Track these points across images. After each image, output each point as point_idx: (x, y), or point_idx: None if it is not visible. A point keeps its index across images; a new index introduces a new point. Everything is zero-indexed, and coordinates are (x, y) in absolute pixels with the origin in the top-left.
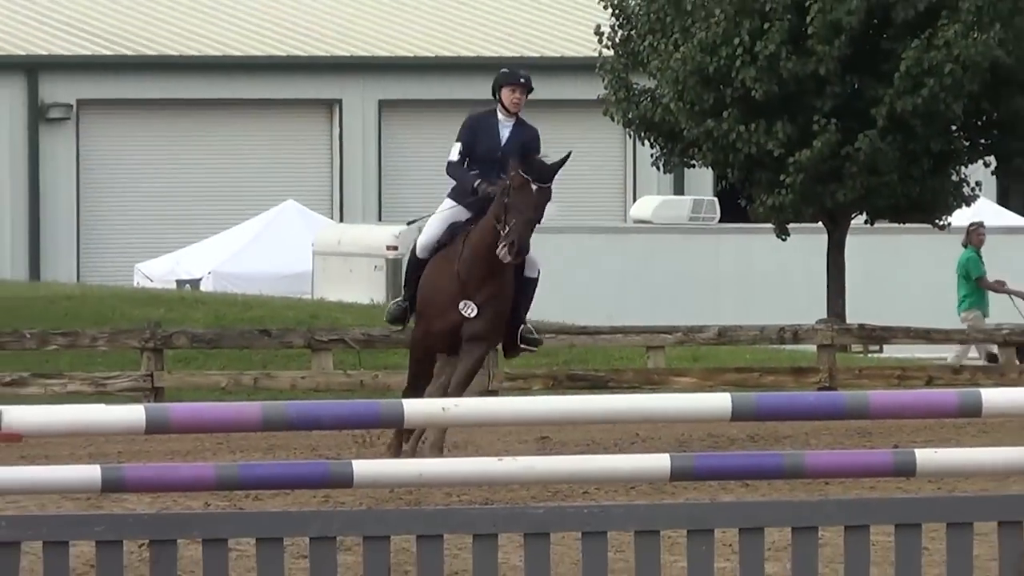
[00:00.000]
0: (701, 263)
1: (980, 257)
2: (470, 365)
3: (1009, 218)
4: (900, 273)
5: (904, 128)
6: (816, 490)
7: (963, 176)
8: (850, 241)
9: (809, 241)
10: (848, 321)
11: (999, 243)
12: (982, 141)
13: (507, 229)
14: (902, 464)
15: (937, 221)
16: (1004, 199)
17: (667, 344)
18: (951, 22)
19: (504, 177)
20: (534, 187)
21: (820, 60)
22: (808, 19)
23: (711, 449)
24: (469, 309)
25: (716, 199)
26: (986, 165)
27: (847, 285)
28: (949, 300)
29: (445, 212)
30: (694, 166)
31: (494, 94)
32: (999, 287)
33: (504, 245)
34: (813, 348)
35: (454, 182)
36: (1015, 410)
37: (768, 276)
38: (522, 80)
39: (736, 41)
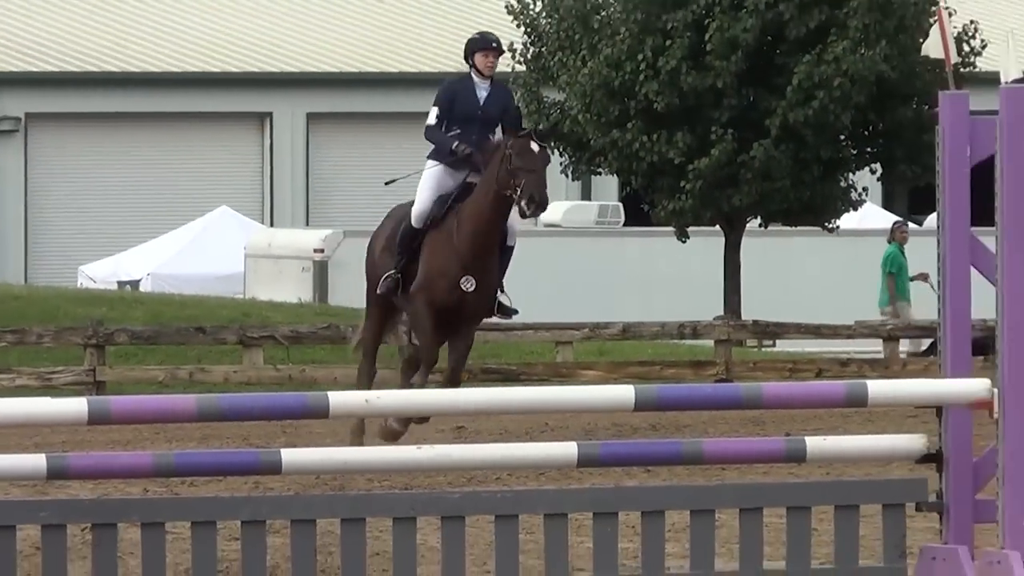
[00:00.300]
0: (607, 264)
1: (903, 253)
2: (470, 339)
3: (893, 220)
4: (792, 273)
5: (796, 137)
6: (713, 475)
7: (851, 182)
8: (745, 243)
9: (707, 243)
10: (743, 317)
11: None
12: (868, 149)
13: (520, 189)
14: (793, 451)
15: (826, 224)
16: (889, 203)
17: (575, 339)
18: (840, 39)
19: (489, 138)
20: (535, 147)
21: (718, 75)
22: (707, 36)
23: (615, 437)
24: (469, 284)
25: (621, 204)
26: (872, 172)
27: (742, 284)
28: (837, 298)
29: (431, 176)
30: (600, 173)
31: (467, 59)
32: (893, 292)
33: (523, 200)
34: (711, 343)
35: (432, 145)
36: (898, 400)
37: (669, 276)
38: (493, 44)
39: (640, 57)
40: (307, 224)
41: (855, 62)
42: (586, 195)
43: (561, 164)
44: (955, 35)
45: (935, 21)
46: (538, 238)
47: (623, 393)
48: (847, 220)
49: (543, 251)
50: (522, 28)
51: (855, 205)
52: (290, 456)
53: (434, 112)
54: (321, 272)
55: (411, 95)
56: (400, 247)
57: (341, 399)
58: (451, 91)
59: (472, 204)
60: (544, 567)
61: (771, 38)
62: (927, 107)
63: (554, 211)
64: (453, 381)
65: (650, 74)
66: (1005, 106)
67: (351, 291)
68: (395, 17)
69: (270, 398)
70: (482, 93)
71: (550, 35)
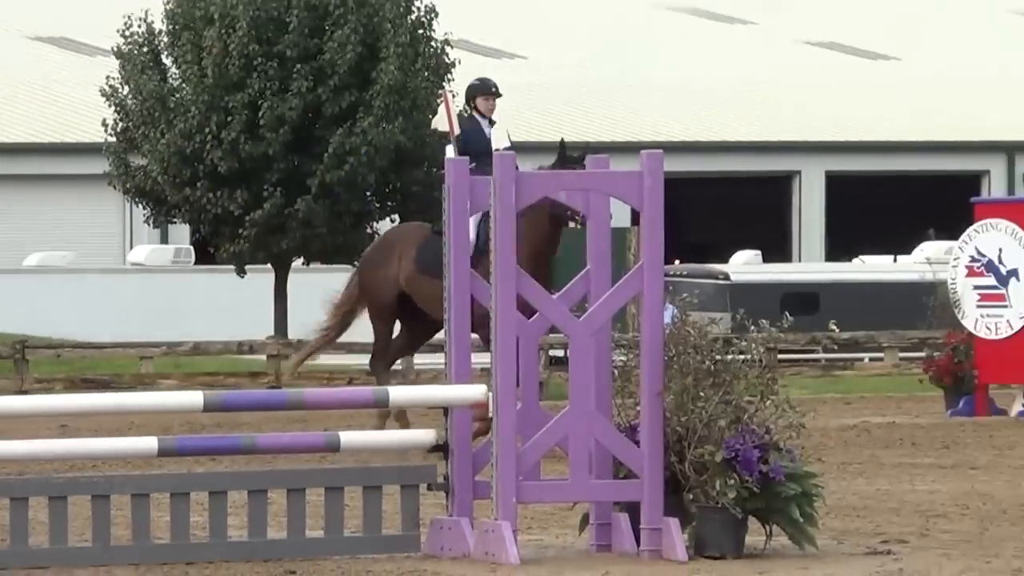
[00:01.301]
0: (181, 294)
1: None
2: None
3: None
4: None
5: (332, 194)
6: (266, 463)
7: (375, 230)
8: (292, 278)
9: (261, 278)
10: (290, 337)
11: None
12: (389, 203)
13: (570, 210)
14: (330, 443)
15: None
16: None
17: (155, 355)
18: (366, 116)
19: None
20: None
21: (270, 144)
22: (260, 113)
23: (189, 433)
24: None
25: (192, 247)
26: (392, 221)
27: (289, 310)
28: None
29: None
30: (176, 222)
31: (469, 103)
32: None
33: (577, 218)
34: (263, 358)
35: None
36: (414, 402)
37: (231, 304)
38: (493, 89)
39: (207, 130)
40: None
41: (379, 134)
42: (164, 240)
43: (145, 216)
44: (458, 112)
45: (441, 101)
46: (127, 274)
47: (194, 397)
48: None
49: (131, 285)
50: (112, 107)
51: None
52: None
53: (451, 149)
54: None
55: (32, 161)
56: None
57: None
58: (466, 132)
59: (528, 229)
60: (131, 536)
61: (312, 115)
62: (436, 170)
63: (139, 253)
64: None
65: (215, 143)
66: (497, 168)
67: None
68: (9, 95)
69: None
70: (488, 131)
71: (135, 112)
